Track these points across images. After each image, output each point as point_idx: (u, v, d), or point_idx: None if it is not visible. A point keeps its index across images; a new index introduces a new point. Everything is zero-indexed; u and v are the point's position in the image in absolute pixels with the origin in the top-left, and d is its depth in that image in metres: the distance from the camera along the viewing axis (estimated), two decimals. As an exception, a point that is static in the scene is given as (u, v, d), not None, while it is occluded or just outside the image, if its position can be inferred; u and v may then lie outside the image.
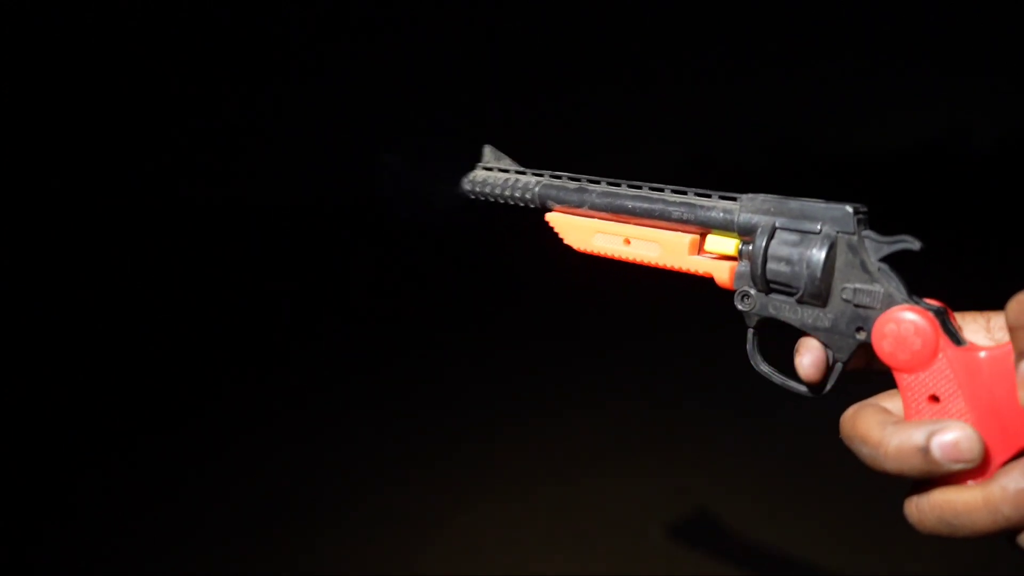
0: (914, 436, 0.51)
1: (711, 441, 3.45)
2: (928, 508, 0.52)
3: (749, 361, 0.66)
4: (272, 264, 8.14)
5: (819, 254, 0.59)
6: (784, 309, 0.62)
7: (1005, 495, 0.48)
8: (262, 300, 6.58)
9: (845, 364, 0.60)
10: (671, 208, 0.68)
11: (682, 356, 4.50)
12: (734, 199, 0.65)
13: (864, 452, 0.54)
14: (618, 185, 0.73)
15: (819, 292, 0.59)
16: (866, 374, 0.62)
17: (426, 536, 2.78)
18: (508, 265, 6.95)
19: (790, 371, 0.64)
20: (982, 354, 0.52)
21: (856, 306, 0.58)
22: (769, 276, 0.62)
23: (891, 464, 0.52)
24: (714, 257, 0.67)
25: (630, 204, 0.71)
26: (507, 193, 0.79)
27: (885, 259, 0.57)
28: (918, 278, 0.57)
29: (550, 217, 0.78)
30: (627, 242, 0.72)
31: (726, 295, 0.67)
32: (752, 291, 0.64)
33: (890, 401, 0.58)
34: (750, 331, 0.66)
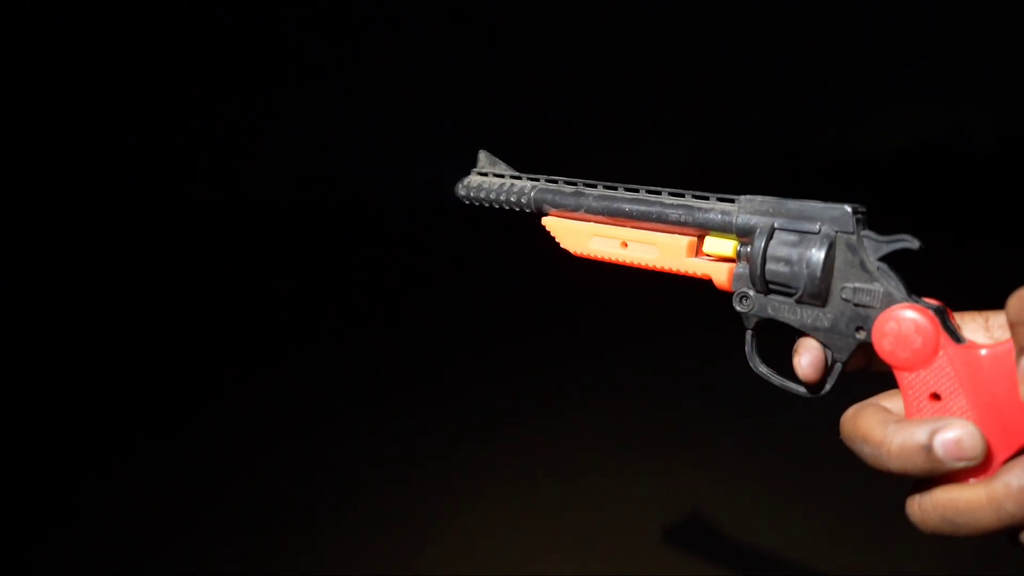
0: (917, 434, 0.50)
1: (711, 441, 3.45)
2: (931, 507, 0.52)
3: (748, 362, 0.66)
4: (272, 264, 8.14)
5: (819, 254, 0.59)
6: (783, 310, 0.62)
7: (1008, 492, 0.48)
8: (262, 300, 6.58)
9: (845, 364, 0.60)
10: (668, 210, 0.68)
11: (682, 356, 4.50)
12: (732, 201, 0.65)
13: (866, 452, 0.54)
14: (615, 189, 0.72)
15: (819, 292, 0.59)
16: (865, 374, 0.62)
17: (426, 536, 2.78)
18: (508, 265, 6.96)
19: (789, 372, 0.64)
20: (983, 351, 0.52)
21: (856, 305, 0.58)
22: (768, 277, 0.62)
23: (894, 463, 0.51)
24: (712, 259, 0.67)
25: (627, 207, 0.70)
26: (503, 198, 0.79)
27: (884, 258, 0.57)
28: (917, 278, 0.57)
29: (546, 221, 0.77)
30: (624, 245, 0.71)
31: (725, 296, 0.66)
32: (751, 292, 0.64)
33: (890, 401, 0.58)
34: (748, 332, 0.65)
